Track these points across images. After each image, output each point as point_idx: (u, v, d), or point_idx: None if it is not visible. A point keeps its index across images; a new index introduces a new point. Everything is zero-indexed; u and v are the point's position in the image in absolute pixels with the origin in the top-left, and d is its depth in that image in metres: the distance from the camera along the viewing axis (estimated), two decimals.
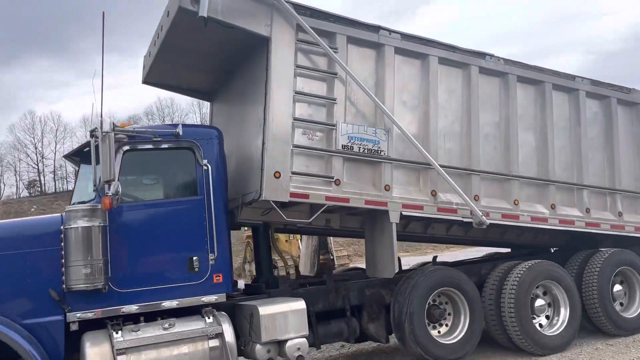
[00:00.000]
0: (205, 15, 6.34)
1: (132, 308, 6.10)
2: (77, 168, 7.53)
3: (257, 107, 6.95)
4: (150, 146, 6.43)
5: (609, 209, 9.11)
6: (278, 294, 7.11)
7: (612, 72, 74.62)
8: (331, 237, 14.84)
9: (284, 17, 6.83)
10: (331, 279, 7.50)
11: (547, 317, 8.05)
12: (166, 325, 6.04)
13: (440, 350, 7.17)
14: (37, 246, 6.01)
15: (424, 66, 7.71)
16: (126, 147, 6.30)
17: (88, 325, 6.02)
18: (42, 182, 63.51)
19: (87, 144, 6.26)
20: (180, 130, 6.43)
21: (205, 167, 6.50)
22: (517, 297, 7.58)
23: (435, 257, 9.03)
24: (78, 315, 5.92)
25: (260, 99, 6.79)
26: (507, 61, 8.40)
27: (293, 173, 6.63)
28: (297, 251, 19.38)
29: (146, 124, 48.22)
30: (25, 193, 61.22)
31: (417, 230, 8.58)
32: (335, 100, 7.00)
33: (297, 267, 10.51)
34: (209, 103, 9.54)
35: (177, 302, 6.25)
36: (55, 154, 63.15)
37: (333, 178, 6.83)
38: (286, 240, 17.80)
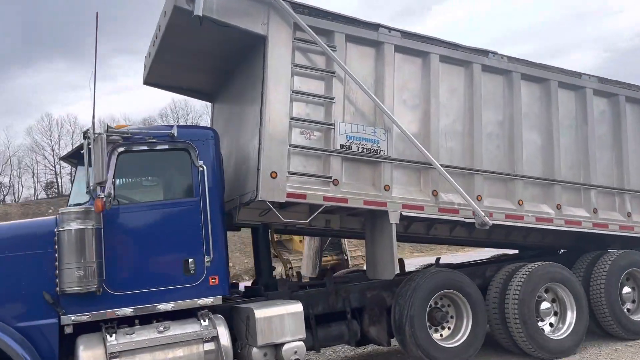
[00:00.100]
0: (201, 14, 6.28)
1: (127, 311, 6.02)
2: (74, 169, 7.49)
3: (255, 106, 6.86)
4: (145, 147, 6.35)
5: (618, 209, 8.89)
6: (277, 296, 7.00)
7: (629, 69, 73.68)
8: (345, 238, 14.73)
9: (280, 15, 6.74)
10: (331, 281, 7.39)
11: (553, 320, 7.85)
12: (161, 328, 5.96)
13: (441, 353, 7.01)
14: (31, 249, 5.96)
15: (425, 64, 7.57)
16: (121, 149, 6.23)
17: (84, 328, 5.96)
18: (60, 184, 64.02)
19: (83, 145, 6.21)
20: (175, 131, 6.35)
21: (201, 169, 6.42)
22: (522, 299, 7.40)
23: (438, 259, 8.88)
24: (72, 318, 5.84)
25: (258, 99, 6.71)
26: (511, 59, 8.23)
27: (290, 173, 6.53)
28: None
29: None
30: (42, 195, 61.76)
31: (419, 231, 8.43)
32: (333, 99, 6.89)
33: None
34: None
35: (172, 305, 6.16)
36: None
37: (331, 178, 6.72)
38: (300, 241, 17.70)
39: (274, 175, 6.39)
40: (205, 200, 6.36)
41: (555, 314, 7.89)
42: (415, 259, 24.31)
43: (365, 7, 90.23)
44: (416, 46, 7.51)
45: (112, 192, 6.01)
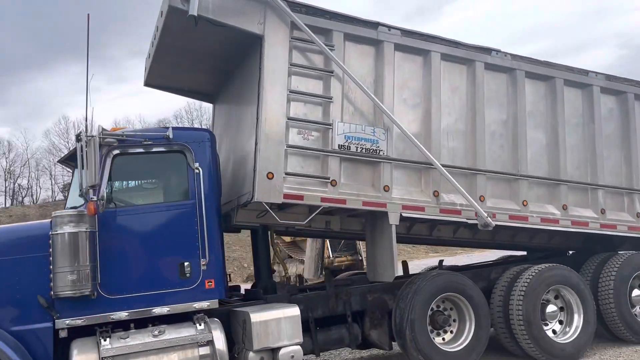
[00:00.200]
0: (196, 14, 6.20)
1: (122, 315, 5.96)
2: (72, 172, 7.44)
3: (252, 107, 6.77)
4: (140, 150, 6.28)
5: (627, 209, 8.68)
6: (275, 299, 6.90)
7: None
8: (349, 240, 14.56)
9: (277, 14, 6.64)
10: (331, 284, 7.27)
11: (560, 323, 7.66)
12: (156, 332, 5.89)
13: (443, 358, 6.86)
14: (25, 252, 5.92)
15: (426, 63, 7.43)
16: (116, 151, 6.17)
17: (79, 332, 5.91)
18: None
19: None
20: (170, 133, 6.28)
21: (197, 171, 6.33)
22: (526, 302, 7.23)
23: (441, 261, 8.73)
24: (67, 322, 5.79)
25: (255, 99, 6.61)
26: (515, 56, 8.06)
27: (287, 174, 6.42)
28: (326, 252, 19.15)
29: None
30: (60, 196, 62.36)
31: (422, 232, 8.30)
32: (331, 98, 6.78)
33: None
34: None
35: (168, 309, 6.09)
36: None
37: (329, 179, 6.61)
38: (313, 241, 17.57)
39: (270, 176, 6.29)
40: (201, 203, 6.28)
41: (562, 317, 7.70)
42: (430, 260, 24.01)
43: (379, 8, 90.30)
44: (417, 44, 7.38)
45: (105, 194, 5.97)
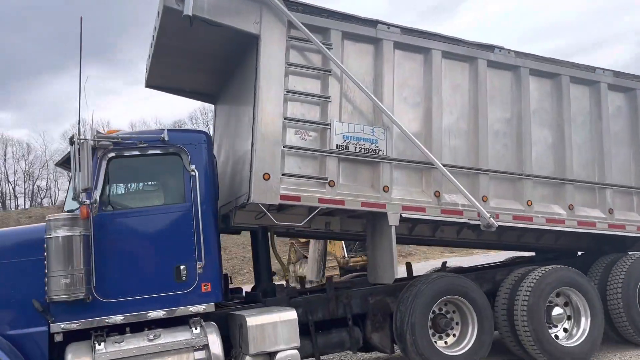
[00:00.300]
0: (190, 14, 6.13)
1: (117, 318, 5.91)
2: (69, 175, 7.40)
3: (250, 107, 6.68)
4: (136, 152, 6.22)
5: (636, 209, 8.47)
6: (274, 302, 6.81)
7: None
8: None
9: (274, 13, 6.55)
10: (332, 287, 7.15)
11: (567, 326, 7.48)
12: (151, 336, 5.83)
13: None
14: (20, 256, 5.91)
15: (426, 61, 7.29)
16: (112, 154, 6.12)
17: (76, 336, 5.86)
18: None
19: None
20: (165, 135, 6.21)
21: (192, 173, 6.26)
22: (531, 305, 7.06)
23: (444, 263, 8.57)
24: (62, 326, 5.76)
25: (252, 99, 6.53)
26: (519, 54, 7.89)
27: (284, 175, 6.33)
28: (340, 252, 18.99)
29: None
30: None
31: (425, 233, 8.15)
32: (329, 98, 6.67)
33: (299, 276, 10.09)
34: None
35: (163, 312, 6.03)
36: None
37: (327, 179, 6.50)
38: (329, 242, 17.42)
39: (266, 177, 6.20)
40: (197, 206, 6.21)
41: (569, 319, 7.51)
42: (446, 259, 23.76)
43: (394, 7, 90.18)
44: (417, 42, 7.24)
45: (100, 198, 5.92)
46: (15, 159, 59.06)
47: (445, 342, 7.01)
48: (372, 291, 7.22)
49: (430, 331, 6.85)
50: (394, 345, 7.15)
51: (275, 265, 7.82)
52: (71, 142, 5.72)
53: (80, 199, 5.58)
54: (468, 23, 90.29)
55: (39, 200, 60.36)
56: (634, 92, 8.71)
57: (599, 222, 8.05)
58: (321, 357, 6.90)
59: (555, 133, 8.00)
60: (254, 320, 6.00)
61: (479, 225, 7.11)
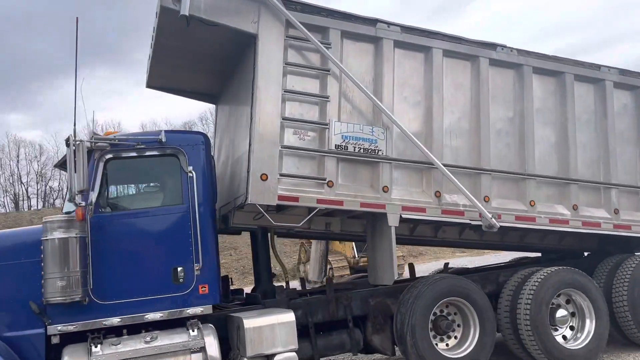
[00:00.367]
0: (187, 14, 6.08)
1: (114, 321, 5.89)
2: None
3: (248, 107, 6.62)
4: (133, 154, 6.20)
5: None
6: (274, 304, 6.76)
7: None
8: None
9: (272, 12, 6.49)
10: (331, 289, 7.08)
11: (571, 329, 7.36)
12: (148, 339, 5.80)
13: None
14: (18, 258, 5.90)
15: (427, 60, 7.20)
16: (109, 156, 6.10)
17: (73, 338, 5.84)
18: None
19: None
20: (163, 136, 6.17)
21: (190, 174, 6.22)
22: (534, 306, 6.95)
23: (446, 264, 8.48)
24: (59, 328, 5.76)
25: (250, 99, 6.47)
26: (521, 52, 7.78)
27: (282, 175, 6.26)
28: (351, 252, 18.90)
29: (201, 129, 49.19)
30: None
31: (426, 234, 8.07)
32: (327, 97, 6.60)
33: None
34: None
35: (160, 314, 6.00)
36: None
37: (325, 180, 6.43)
38: (340, 242, 17.35)
39: (264, 177, 6.14)
40: (195, 207, 6.18)
41: (573, 322, 7.40)
42: (458, 259, 23.57)
43: (401, 7, 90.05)
44: (417, 41, 7.15)
45: (96, 199, 5.89)
46: (28, 160, 59.55)
47: (447, 345, 6.92)
48: (373, 293, 7.15)
49: (431, 333, 6.77)
50: (395, 347, 7.07)
51: (275, 266, 7.77)
52: (67, 144, 5.71)
53: (76, 201, 5.56)
54: (476, 22, 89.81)
55: (52, 201, 60.81)
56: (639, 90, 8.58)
57: (604, 222, 7.92)
58: (321, 359, 6.84)
59: (559, 132, 7.88)
60: (251, 322, 5.95)
61: (480, 226, 7.01)
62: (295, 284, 7.89)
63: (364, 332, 7.08)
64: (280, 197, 6.22)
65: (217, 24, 6.36)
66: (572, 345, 7.17)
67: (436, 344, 6.77)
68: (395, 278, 6.61)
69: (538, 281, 7.11)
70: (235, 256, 29.74)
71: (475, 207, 6.88)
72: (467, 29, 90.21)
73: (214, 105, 9.50)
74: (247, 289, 8.28)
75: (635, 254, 8.38)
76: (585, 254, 9.23)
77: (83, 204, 5.58)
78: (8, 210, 52.71)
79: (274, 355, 5.95)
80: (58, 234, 5.62)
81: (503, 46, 7.67)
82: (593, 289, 7.44)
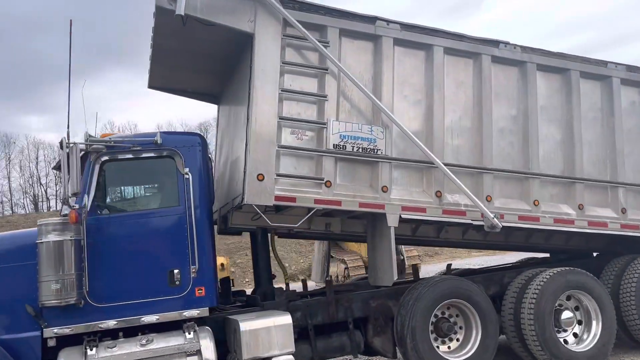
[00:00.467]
0: (183, 14, 6.02)
1: (110, 323, 5.84)
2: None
3: (245, 107, 6.57)
4: (129, 156, 6.15)
5: None
6: (273, 306, 6.68)
7: None
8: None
9: (268, 11, 6.41)
10: (331, 290, 6.99)
11: (577, 330, 7.20)
12: (143, 342, 5.75)
13: None
14: (13, 261, 5.88)
15: (428, 57, 7.08)
16: (104, 158, 6.06)
17: (71, 341, 5.80)
18: None
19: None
20: (158, 138, 6.12)
21: (186, 176, 6.16)
22: (538, 308, 6.81)
23: (449, 265, 8.35)
24: (55, 330, 5.73)
25: (247, 99, 6.41)
26: (525, 48, 7.62)
27: (278, 175, 6.19)
28: (366, 252, 18.72)
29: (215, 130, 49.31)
30: None
31: (429, 234, 7.94)
32: (326, 97, 6.51)
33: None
34: None
35: (157, 317, 5.94)
36: None
37: (323, 180, 6.34)
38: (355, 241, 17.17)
39: (260, 177, 6.07)
40: (191, 209, 6.11)
41: (579, 323, 7.24)
42: (474, 259, 23.28)
43: (414, 6, 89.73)
44: (417, 38, 7.03)
45: (91, 202, 5.86)
46: (46, 162, 60.05)
47: (449, 347, 6.80)
48: (374, 294, 7.04)
49: (433, 335, 6.66)
50: (396, 349, 6.97)
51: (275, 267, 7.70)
52: (61, 147, 5.68)
53: (70, 204, 5.52)
54: (491, 20, 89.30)
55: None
56: None
57: (611, 222, 7.75)
58: None
59: (565, 130, 7.72)
60: (248, 325, 5.89)
61: (482, 226, 6.88)
62: (295, 286, 7.79)
63: (365, 334, 6.99)
64: (277, 198, 6.14)
65: (213, 24, 6.30)
66: (578, 348, 7.03)
67: (437, 347, 6.66)
68: (395, 279, 6.50)
69: (542, 282, 6.97)
70: (249, 257, 29.68)
71: (477, 207, 6.75)
72: (481, 28, 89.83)
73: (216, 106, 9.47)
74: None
75: None
76: (595, 254, 9.05)
77: (77, 206, 5.54)
78: (28, 212, 53.08)
79: (270, 358, 5.88)
80: (52, 237, 5.59)
81: (506, 43, 7.52)
82: (599, 290, 7.27)
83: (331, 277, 9.30)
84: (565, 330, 7.12)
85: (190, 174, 6.17)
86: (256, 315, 6.23)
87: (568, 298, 7.24)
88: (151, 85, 8.57)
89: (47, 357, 5.76)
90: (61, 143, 5.64)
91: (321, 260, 9.22)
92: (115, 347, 5.69)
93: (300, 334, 6.62)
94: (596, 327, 7.13)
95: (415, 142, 6.62)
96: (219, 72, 8.02)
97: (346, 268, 17.47)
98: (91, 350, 5.62)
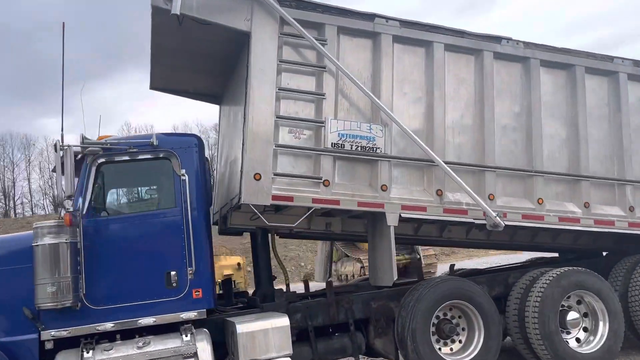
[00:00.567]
0: (178, 13, 5.98)
1: (107, 326, 5.82)
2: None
3: (242, 107, 6.51)
4: (126, 158, 6.12)
5: None
6: (272, 308, 6.61)
7: None
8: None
9: (265, 10, 6.35)
10: (332, 291, 6.90)
11: (583, 332, 7.04)
12: (140, 344, 5.72)
13: None
14: (11, 263, 5.88)
15: (428, 54, 6.97)
16: (101, 160, 6.03)
17: (68, 343, 5.78)
18: None
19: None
20: (155, 139, 6.08)
21: (183, 177, 6.10)
22: (542, 309, 6.66)
23: (452, 265, 8.22)
24: (52, 333, 5.72)
25: (244, 98, 6.35)
26: (528, 44, 7.48)
27: (276, 174, 6.12)
28: None
29: None
30: None
31: (432, 233, 7.82)
32: (323, 95, 6.43)
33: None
34: None
35: (154, 319, 5.90)
36: None
37: (321, 179, 6.26)
38: None
39: (257, 177, 6.00)
40: (188, 211, 6.06)
41: (586, 325, 7.08)
42: (491, 258, 22.97)
43: (428, 5, 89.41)
44: (417, 35, 6.93)
45: (88, 204, 5.84)
46: None
47: (451, 349, 6.67)
48: (375, 295, 6.95)
49: (434, 337, 6.54)
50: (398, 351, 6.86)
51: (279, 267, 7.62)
52: (55, 149, 5.65)
53: (65, 206, 5.49)
54: (507, 16, 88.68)
55: None
56: None
57: (618, 220, 7.57)
58: None
59: (570, 127, 7.57)
60: (244, 327, 5.82)
61: (485, 225, 6.75)
62: (296, 287, 7.72)
63: (367, 336, 6.90)
64: (275, 197, 6.07)
65: (210, 23, 6.25)
66: (584, 349, 6.87)
67: (439, 348, 6.53)
68: (395, 279, 6.39)
69: (547, 283, 6.82)
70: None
71: (479, 206, 6.63)
72: (495, 25, 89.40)
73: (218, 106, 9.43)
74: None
75: None
76: (604, 253, 8.87)
77: (71, 209, 5.51)
78: (47, 212, 53.61)
79: None
80: (48, 240, 5.56)
81: (508, 39, 7.39)
82: (607, 291, 7.10)
83: (331, 278, 9.18)
84: (570, 332, 6.97)
85: (186, 175, 6.11)
86: (253, 318, 6.16)
87: (573, 298, 7.07)
88: (153, 86, 8.54)
89: None
90: (55, 146, 5.61)
91: (324, 261, 9.13)
92: (111, 349, 5.66)
93: (301, 335, 6.55)
94: (603, 328, 6.96)
95: (415, 140, 6.51)
96: (219, 72, 7.97)
97: (362, 267, 17.34)
98: (87, 352, 5.61)
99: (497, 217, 6.57)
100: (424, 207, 6.64)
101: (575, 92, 7.64)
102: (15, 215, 53.76)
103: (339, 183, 6.39)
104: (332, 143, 6.35)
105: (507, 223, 6.74)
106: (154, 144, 6.08)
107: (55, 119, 76.50)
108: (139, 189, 6.74)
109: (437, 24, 7.09)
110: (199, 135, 6.85)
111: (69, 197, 5.43)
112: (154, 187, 6.54)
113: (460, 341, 6.72)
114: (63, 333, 5.71)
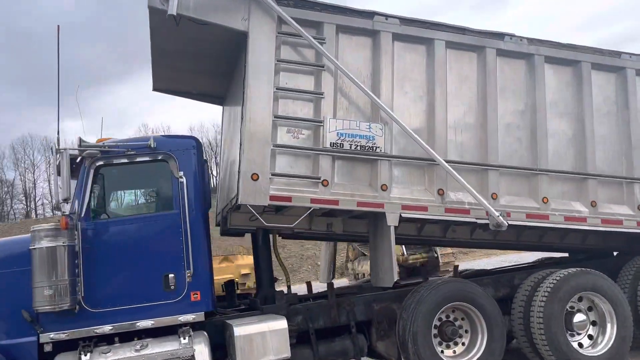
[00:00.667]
0: (175, 13, 5.94)
1: (106, 329, 5.81)
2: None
3: (241, 107, 6.46)
4: (124, 160, 6.11)
5: None
6: (272, 310, 6.54)
7: None
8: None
9: (262, 9, 6.29)
10: (333, 293, 6.82)
11: (591, 334, 6.89)
12: (138, 347, 5.69)
13: None
14: (10, 267, 5.89)
15: (429, 52, 6.87)
16: (99, 163, 6.02)
17: (67, 346, 5.78)
18: None
19: (73, 159, 6.03)
20: (152, 142, 6.06)
21: (181, 180, 6.08)
22: (547, 311, 6.53)
23: (456, 267, 8.09)
24: (51, 336, 5.72)
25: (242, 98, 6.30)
26: (532, 40, 7.35)
27: (274, 174, 6.06)
28: (399, 250, 18.38)
29: None
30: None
31: (435, 233, 7.71)
32: (322, 94, 6.35)
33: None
34: None
35: (152, 322, 5.88)
36: None
37: (320, 179, 6.19)
38: None
39: (255, 177, 5.95)
40: (185, 213, 6.03)
41: (593, 326, 6.93)
42: (509, 256, 22.71)
43: (444, 2, 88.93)
44: (418, 33, 6.83)
45: (86, 207, 5.82)
46: None
47: (454, 352, 6.56)
48: (377, 297, 6.86)
49: (437, 340, 6.44)
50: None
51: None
52: (52, 152, 5.65)
53: (62, 209, 5.49)
54: (525, 13, 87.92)
55: None
56: None
57: (626, 219, 7.40)
58: None
59: (576, 125, 7.42)
60: (242, 330, 5.78)
61: (487, 224, 6.63)
62: (297, 288, 7.65)
63: (369, 338, 6.81)
64: (272, 197, 6.02)
65: (207, 23, 6.21)
66: (591, 352, 6.72)
67: (442, 351, 6.43)
68: (395, 279, 6.30)
69: (552, 284, 6.69)
70: (283, 254, 29.54)
71: (482, 205, 6.51)
72: (512, 22, 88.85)
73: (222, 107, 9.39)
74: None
75: None
76: (615, 253, 8.69)
77: (67, 212, 5.50)
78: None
79: None
80: (45, 243, 5.57)
81: (512, 35, 7.27)
82: (615, 292, 6.94)
83: (332, 278, 9.12)
84: (578, 334, 6.82)
85: (184, 177, 6.09)
86: (252, 320, 6.11)
87: (581, 300, 6.93)
88: (156, 88, 8.53)
89: None
90: (52, 149, 5.61)
91: (328, 261, 9.06)
92: (109, 352, 5.65)
93: (302, 338, 6.48)
94: (611, 330, 6.81)
95: (415, 138, 6.42)
96: (220, 73, 7.93)
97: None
98: (85, 355, 5.60)
99: (500, 217, 6.46)
100: (425, 206, 6.54)
101: (582, 88, 7.50)
102: (36, 216, 54.33)
103: (338, 183, 6.31)
104: (331, 142, 6.28)
105: (510, 222, 6.63)
106: (152, 146, 6.06)
107: (72, 122, 77.11)
108: (137, 191, 6.71)
109: (438, 21, 6.99)
110: (197, 137, 6.82)
111: (65, 200, 5.42)
112: (152, 189, 6.52)
113: (463, 343, 6.61)
114: (62, 336, 5.71)
